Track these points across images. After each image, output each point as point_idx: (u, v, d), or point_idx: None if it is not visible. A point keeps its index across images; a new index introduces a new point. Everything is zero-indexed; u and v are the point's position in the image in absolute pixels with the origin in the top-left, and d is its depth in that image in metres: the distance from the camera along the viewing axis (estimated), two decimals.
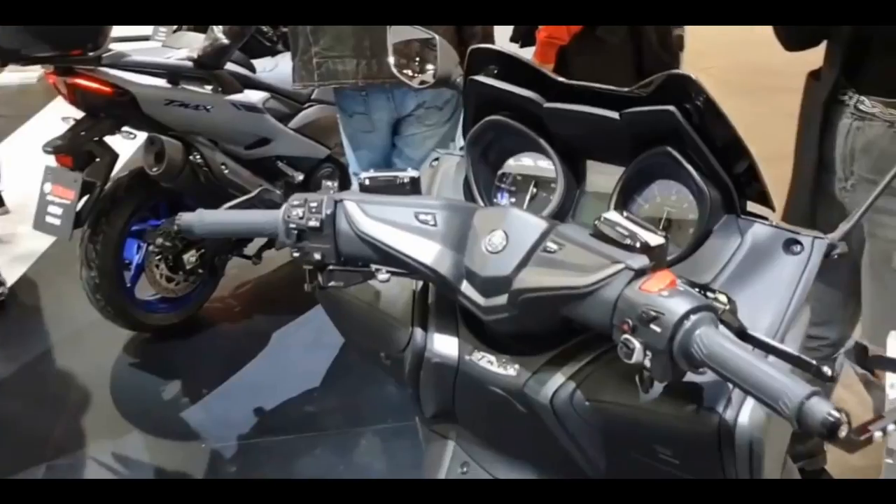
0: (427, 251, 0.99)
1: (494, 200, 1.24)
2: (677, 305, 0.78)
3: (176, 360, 3.14)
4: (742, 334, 0.83)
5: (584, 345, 0.98)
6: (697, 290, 0.84)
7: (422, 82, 1.44)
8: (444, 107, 2.85)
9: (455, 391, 1.08)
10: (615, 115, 1.04)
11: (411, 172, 1.05)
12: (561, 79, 1.10)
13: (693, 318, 0.78)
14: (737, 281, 0.98)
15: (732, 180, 1.01)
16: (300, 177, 3.43)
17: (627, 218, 0.90)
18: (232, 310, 3.49)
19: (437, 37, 1.40)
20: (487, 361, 1.02)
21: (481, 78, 1.13)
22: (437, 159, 1.32)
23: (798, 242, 0.98)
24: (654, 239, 0.86)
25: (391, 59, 1.47)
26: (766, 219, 1.03)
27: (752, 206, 1.06)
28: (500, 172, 1.24)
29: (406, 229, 1.01)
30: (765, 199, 1.03)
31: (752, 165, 1.00)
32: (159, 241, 2.92)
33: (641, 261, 0.84)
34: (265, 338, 3.25)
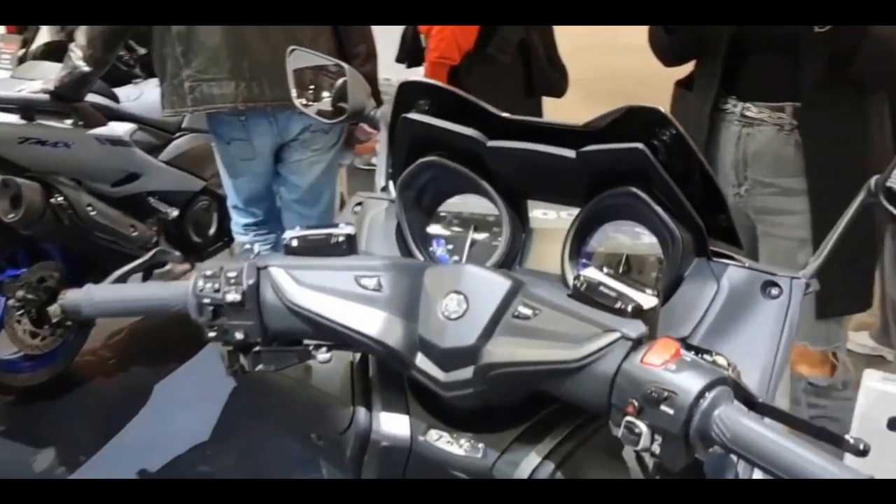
0: (373, 322, 0.85)
1: (430, 249, 1.10)
2: (690, 382, 0.67)
3: (46, 425, 2.84)
4: (751, 403, 0.73)
5: (559, 415, 0.86)
6: (697, 354, 0.74)
7: (331, 116, 1.29)
8: (330, 130, 2.69)
9: (406, 477, 0.93)
10: (571, 153, 0.93)
11: (346, 229, 0.90)
12: (505, 114, 0.98)
13: (710, 395, 0.67)
14: (718, 333, 0.89)
15: (703, 220, 0.92)
16: (175, 212, 3.18)
17: (609, 275, 0.78)
18: (106, 362, 3.20)
19: (345, 66, 1.26)
20: (446, 441, 0.88)
21: (415, 116, 0.99)
22: (359, 204, 1.17)
23: (776, 285, 0.91)
24: (647, 300, 0.76)
25: (293, 91, 1.32)
26: (734, 258, 0.95)
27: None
28: (435, 216, 1.11)
29: (346, 297, 0.86)
30: (732, 237, 0.95)
31: (723, 203, 0.91)
32: (20, 293, 2.63)
33: (638, 328, 0.73)
34: (146, 392, 2.96)
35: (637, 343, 0.72)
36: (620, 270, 1.00)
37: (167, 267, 3.15)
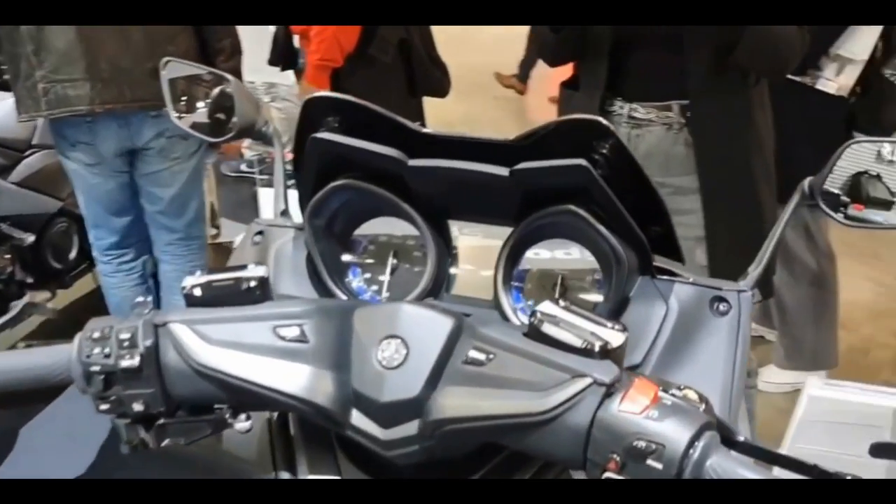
0: (298, 378, 0.73)
1: (346, 280, 0.99)
2: (678, 431, 0.60)
3: None
4: (733, 442, 0.67)
5: (516, 461, 0.78)
6: (668, 391, 0.67)
7: (214, 132, 1.16)
8: (189, 136, 2.50)
9: None
10: (503, 171, 0.84)
11: (257, 271, 0.78)
12: (425, 130, 0.88)
13: (699, 444, 0.60)
14: (671, 357, 0.83)
15: (647, 237, 0.85)
16: (30, 238, 2.88)
17: (567, 309, 0.70)
18: None
19: (232, 78, 1.13)
20: None
21: (326, 135, 0.88)
22: (260, 233, 1.04)
23: (724, 300, 0.86)
24: (615, 337, 0.68)
25: (169, 105, 1.18)
26: (677, 274, 0.89)
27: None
28: (349, 243, 1.00)
29: (264, 352, 0.74)
30: (673, 251, 0.89)
31: (663, 215, 0.85)
32: None
33: (610, 371, 0.65)
34: (9, 439, 2.67)
35: (611, 388, 0.64)
36: (556, 293, 0.93)
37: (25, 298, 2.87)
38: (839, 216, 0.91)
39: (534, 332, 0.70)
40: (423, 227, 0.94)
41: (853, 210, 0.91)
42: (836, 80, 2.49)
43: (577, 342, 0.67)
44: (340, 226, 0.98)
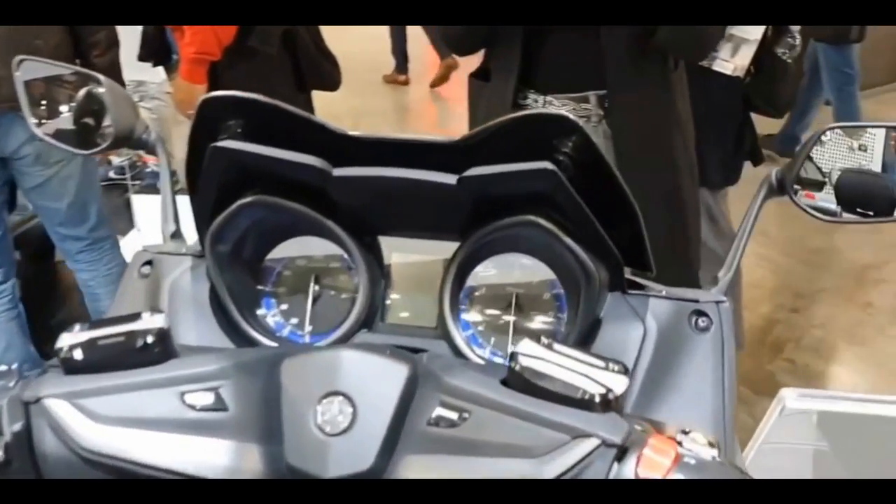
0: (216, 457, 0.57)
1: (258, 312, 0.83)
2: None
3: None
4: None
5: None
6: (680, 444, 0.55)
7: (82, 142, 0.97)
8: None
9: None
10: (450, 179, 0.70)
11: (154, 321, 0.61)
12: (352, 133, 0.74)
13: None
14: (655, 386, 0.73)
15: (618, 248, 0.74)
16: None
17: (550, 347, 0.58)
18: None
19: (102, 77, 0.94)
20: None
21: (231, 144, 0.72)
22: (148, 262, 0.86)
23: (703, 314, 0.76)
24: (617, 381, 0.56)
25: (26, 111, 0.98)
26: (648, 286, 0.78)
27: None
28: (261, 270, 0.84)
29: (172, 427, 0.58)
30: (642, 261, 0.78)
31: (636, 223, 0.74)
32: None
33: (618, 427, 0.53)
34: None
35: (623, 449, 0.52)
36: (511, 314, 0.80)
37: None
38: (817, 211, 0.83)
39: (516, 381, 0.56)
40: (351, 246, 0.79)
41: (827, 203, 0.83)
42: (731, 61, 2.46)
43: (573, 392, 0.55)
44: (250, 250, 0.82)
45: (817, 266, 3.32)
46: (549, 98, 1.61)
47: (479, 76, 1.71)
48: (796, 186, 0.83)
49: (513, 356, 0.57)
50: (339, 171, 0.73)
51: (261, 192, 0.76)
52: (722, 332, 0.75)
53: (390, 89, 6.02)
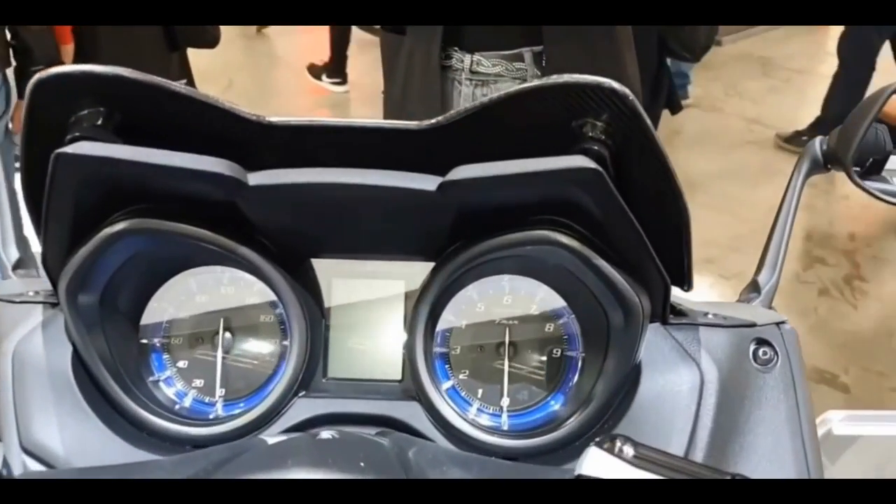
0: None
1: (147, 378, 0.59)
2: None
3: None
4: None
5: None
6: None
7: None
8: None
9: None
10: (427, 184, 0.48)
11: None
12: (273, 120, 0.50)
13: None
14: (725, 449, 0.54)
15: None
16: None
17: (637, 457, 0.37)
18: None
19: None
20: None
21: (87, 148, 0.46)
22: None
23: (766, 343, 0.57)
24: None
25: None
26: (686, 310, 0.59)
27: None
28: (147, 322, 0.60)
29: None
30: (679, 276, 0.58)
31: (685, 230, 0.54)
32: None
33: None
34: None
35: None
36: (505, 356, 0.59)
37: None
38: (886, 194, 0.64)
39: None
40: (274, 275, 0.56)
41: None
42: None
43: None
44: (128, 296, 0.58)
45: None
46: (476, 57, 1.37)
47: (390, 28, 1.46)
48: (853, 161, 0.64)
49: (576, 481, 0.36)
50: (256, 179, 0.49)
51: (137, 213, 0.52)
52: (790, 365, 0.56)
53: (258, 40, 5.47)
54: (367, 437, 0.47)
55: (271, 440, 0.48)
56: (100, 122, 0.49)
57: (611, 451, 0.37)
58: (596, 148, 0.47)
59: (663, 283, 0.53)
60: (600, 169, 0.45)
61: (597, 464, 0.36)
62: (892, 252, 2.92)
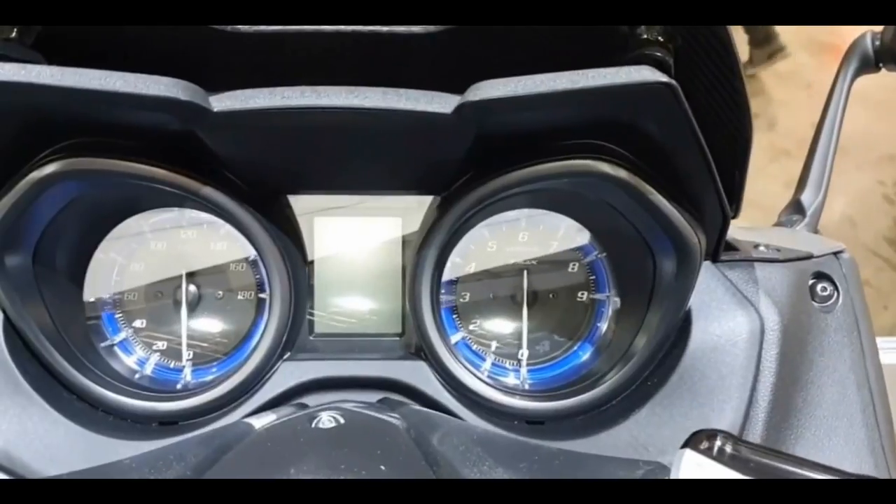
0: None
1: (102, 344, 0.50)
2: None
3: None
4: None
5: None
6: None
7: None
8: None
9: None
10: (441, 105, 0.38)
11: None
12: (243, 28, 0.39)
13: None
14: (789, 403, 0.47)
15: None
16: None
17: (734, 456, 0.29)
18: None
19: None
20: None
21: (13, 73, 0.35)
22: None
23: (825, 277, 0.49)
24: None
25: None
26: (737, 243, 0.51)
27: None
28: (92, 269, 0.50)
29: None
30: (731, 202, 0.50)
31: (744, 151, 0.45)
32: None
33: None
34: None
35: None
36: (523, 303, 0.51)
37: None
38: None
39: None
40: (244, 216, 0.46)
41: None
42: None
43: None
44: (68, 249, 0.47)
45: None
46: None
47: None
48: None
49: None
50: (220, 103, 0.38)
51: (71, 151, 0.41)
52: (852, 302, 0.49)
53: None
54: (376, 417, 0.39)
55: (258, 422, 0.40)
56: (13, 34, 0.37)
57: (708, 452, 0.29)
58: (659, 55, 0.37)
59: (722, 216, 0.44)
60: (674, 83, 0.35)
61: (695, 469, 0.29)
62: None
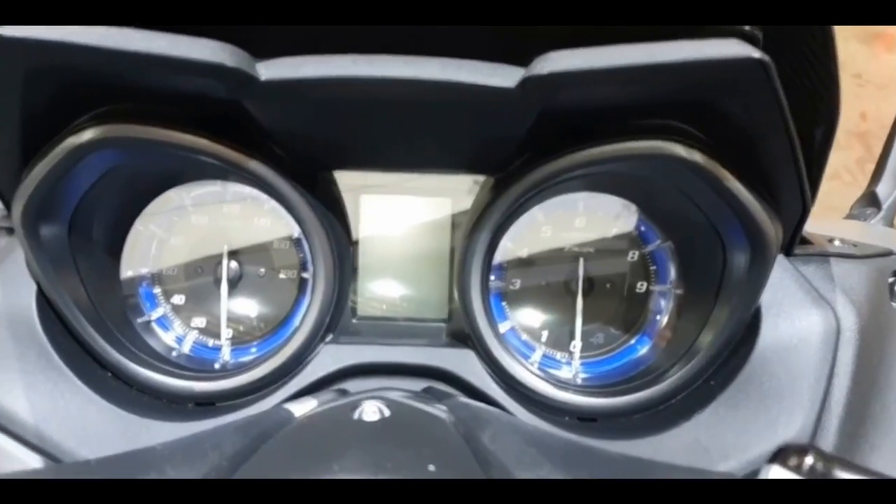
0: None
1: (139, 320, 0.48)
2: None
3: None
4: None
5: None
6: None
7: None
8: None
9: None
10: (504, 78, 0.35)
11: None
12: None
13: None
14: (864, 411, 0.44)
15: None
16: None
17: (816, 467, 0.27)
18: None
19: None
20: None
21: (35, 32, 0.33)
22: None
23: None
24: None
25: None
26: (810, 240, 0.48)
27: None
28: (129, 242, 0.48)
29: None
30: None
31: (833, 134, 0.42)
32: None
33: None
34: None
35: None
36: (578, 290, 0.48)
37: None
38: None
39: None
40: (290, 192, 0.44)
41: None
42: None
43: None
44: (105, 220, 0.46)
45: None
46: None
47: None
48: None
49: None
50: (268, 70, 0.36)
51: (111, 117, 0.39)
52: None
53: None
54: (423, 410, 0.37)
55: (298, 409, 0.37)
56: None
57: (798, 469, 0.26)
58: (747, 27, 0.34)
59: (801, 206, 0.41)
60: (768, 59, 0.32)
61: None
62: None
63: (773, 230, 0.40)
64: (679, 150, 0.38)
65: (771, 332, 0.43)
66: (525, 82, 0.35)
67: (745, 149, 0.38)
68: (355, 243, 0.49)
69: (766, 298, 0.43)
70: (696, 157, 0.38)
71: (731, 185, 0.38)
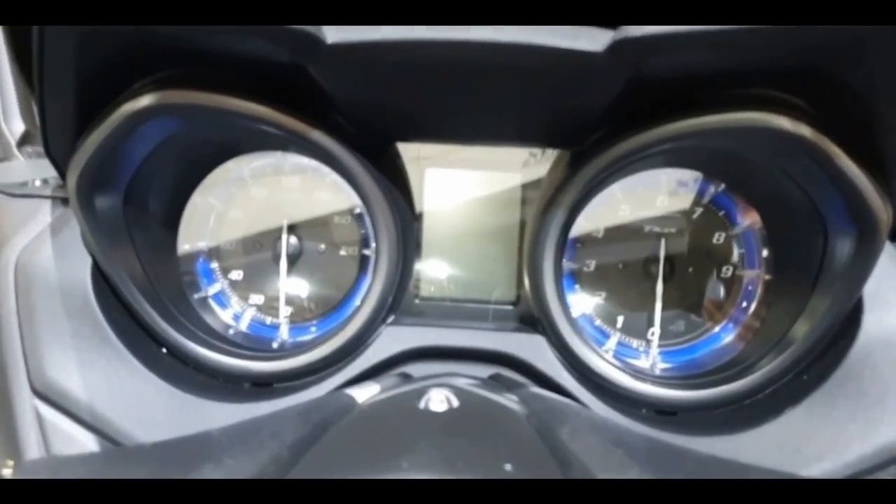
0: None
1: (196, 296, 0.46)
2: None
3: None
4: None
5: None
6: None
7: None
8: None
9: None
10: (591, 42, 0.32)
11: None
12: None
13: None
14: None
15: None
16: None
17: None
18: None
19: None
20: None
21: None
22: None
23: None
24: None
25: None
26: None
27: None
28: (186, 215, 0.46)
29: None
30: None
31: None
32: None
33: None
34: None
35: None
36: (659, 274, 0.45)
37: None
38: None
39: None
40: (354, 165, 0.41)
41: None
42: None
43: None
44: (162, 191, 0.44)
45: None
46: None
47: None
48: None
49: None
50: (337, 34, 0.33)
51: (169, 83, 0.37)
52: None
53: None
54: (493, 400, 0.34)
55: (361, 394, 0.35)
56: None
57: None
58: None
59: None
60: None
61: None
62: None
63: (885, 214, 0.36)
64: (784, 122, 0.35)
65: (874, 324, 0.39)
66: (615, 46, 0.32)
67: (859, 124, 0.34)
68: (419, 219, 0.46)
69: (870, 288, 0.39)
70: (804, 130, 0.34)
71: (841, 162, 0.35)
